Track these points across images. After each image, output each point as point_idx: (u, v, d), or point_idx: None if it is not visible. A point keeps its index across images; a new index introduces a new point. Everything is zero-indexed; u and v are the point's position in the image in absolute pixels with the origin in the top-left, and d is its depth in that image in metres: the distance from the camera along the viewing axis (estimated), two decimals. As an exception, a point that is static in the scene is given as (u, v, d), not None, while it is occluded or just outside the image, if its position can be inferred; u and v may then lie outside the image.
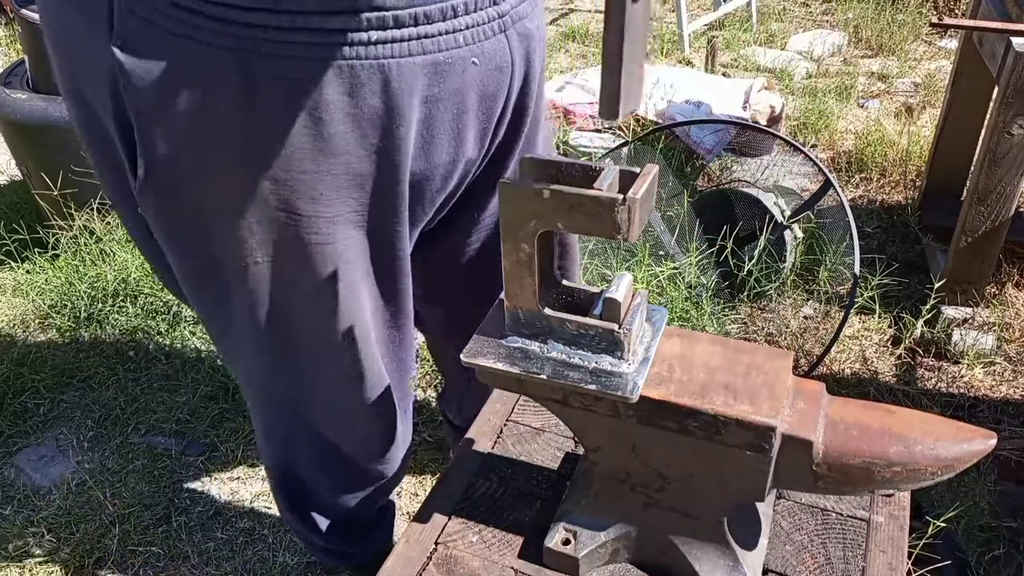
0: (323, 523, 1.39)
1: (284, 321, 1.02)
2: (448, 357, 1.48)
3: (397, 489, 1.83)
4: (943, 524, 1.47)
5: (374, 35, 0.80)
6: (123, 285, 2.33)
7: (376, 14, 0.80)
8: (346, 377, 1.09)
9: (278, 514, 1.83)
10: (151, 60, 0.80)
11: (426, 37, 0.84)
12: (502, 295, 0.83)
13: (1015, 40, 1.88)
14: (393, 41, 0.82)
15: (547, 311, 0.81)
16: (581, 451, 1.08)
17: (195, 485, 1.91)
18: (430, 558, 0.96)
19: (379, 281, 1.03)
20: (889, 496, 1.03)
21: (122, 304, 2.32)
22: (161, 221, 0.94)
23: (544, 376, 0.80)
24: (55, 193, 2.35)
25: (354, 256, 0.97)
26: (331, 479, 1.31)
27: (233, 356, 1.13)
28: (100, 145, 0.94)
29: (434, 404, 2.07)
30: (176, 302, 2.32)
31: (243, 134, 0.83)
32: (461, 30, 0.86)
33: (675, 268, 2.23)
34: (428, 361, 2.11)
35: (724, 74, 3.66)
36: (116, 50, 0.80)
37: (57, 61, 0.92)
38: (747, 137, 2.93)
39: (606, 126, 3.01)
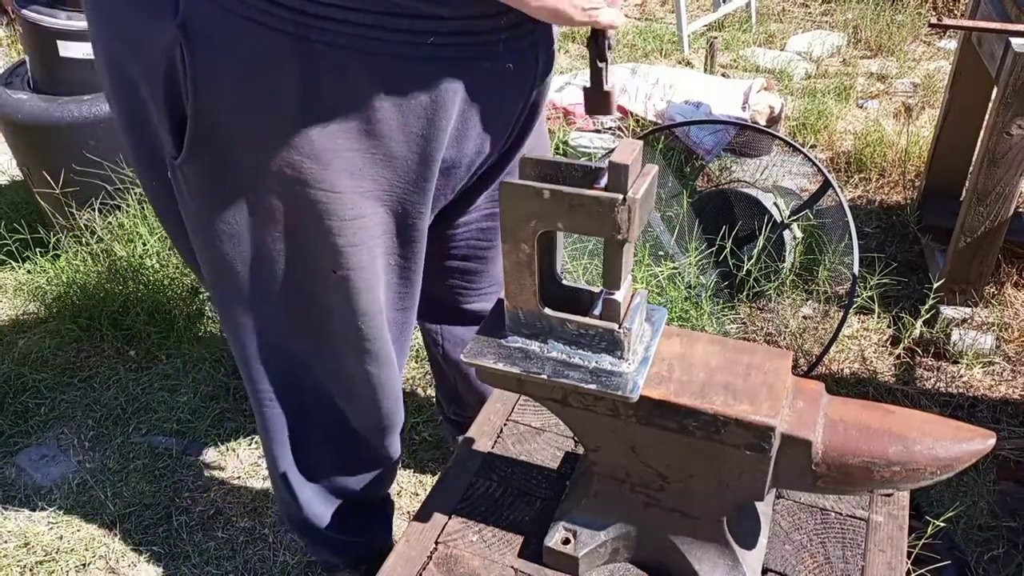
0: (324, 514, 1.40)
1: (307, 287, 1.08)
2: (435, 345, 1.55)
3: (397, 489, 1.84)
4: (942, 524, 1.47)
5: (431, 38, 0.89)
6: (124, 284, 2.33)
7: (432, 22, 0.88)
8: (356, 348, 1.14)
9: (278, 515, 1.83)
10: (218, 40, 0.87)
11: (475, 45, 0.94)
12: (502, 295, 0.83)
13: (1014, 40, 1.88)
14: (444, 45, 0.90)
15: (547, 311, 0.81)
16: (581, 451, 1.09)
17: (196, 485, 1.91)
18: (430, 557, 0.97)
19: (399, 258, 1.10)
20: (888, 496, 1.03)
21: (123, 304, 2.32)
22: (198, 190, 1.00)
23: (544, 376, 0.80)
24: (56, 193, 2.35)
25: (379, 232, 1.04)
26: (333, 452, 1.32)
27: (242, 320, 1.15)
28: (136, 118, 1.00)
29: (434, 403, 2.08)
30: (175, 302, 2.32)
31: (297, 115, 0.90)
32: (502, 39, 0.95)
33: (675, 268, 2.24)
34: (427, 361, 2.11)
35: (723, 75, 3.66)
36: (179, 29, 0.87)
37: (100, 35, 0.99)
38: (746, 137, 2.93)
39: (606, 126, 3.01)
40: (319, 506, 1.39)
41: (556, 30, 1.05)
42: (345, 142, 0.93)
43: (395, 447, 1.36)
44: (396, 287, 1.13)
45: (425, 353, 1.83)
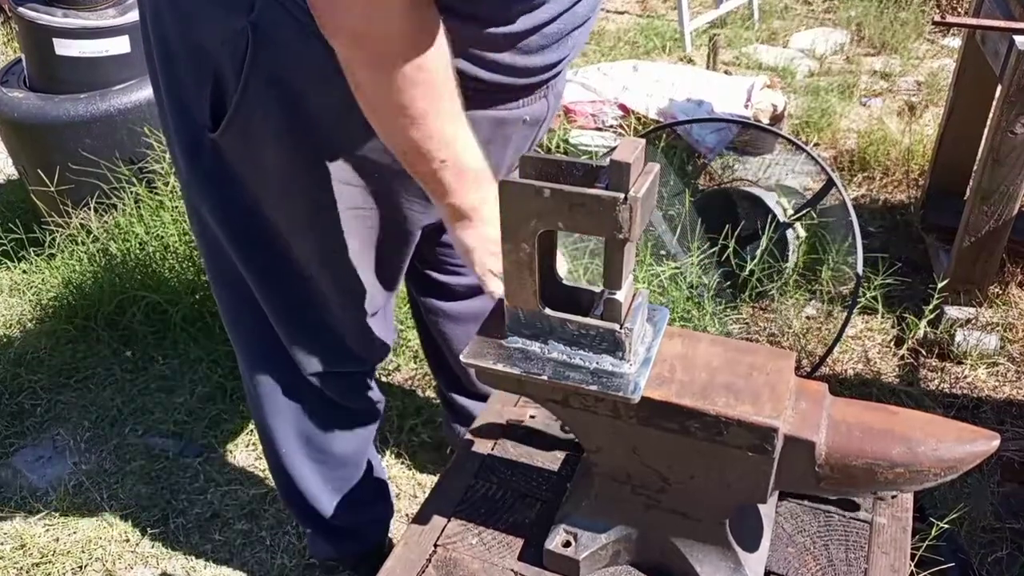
0: (316, 486, 1.42)
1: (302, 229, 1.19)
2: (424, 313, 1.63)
3: (395, 491, 1.83)
4: (946, 525, 1.46)
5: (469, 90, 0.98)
6: (120, 284, 2.32)
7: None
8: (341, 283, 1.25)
9: (276, 516, 1.82)
10: (285, 47, 0.98)
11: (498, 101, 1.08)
12: (502, 295, 0.82)
13: (1018, 39, 1.87)
14: (472, 98, 1.00)
15: (547, 311, 0.80)
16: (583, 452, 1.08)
17: (193, 486, 1.90)
18: (429, 560, 0.96)
19: (388, 250, 1.23)
20: (892, 497, 1.02)
21: (119, 304, 2.31)
22: (233, 162, 1.12)
23: (545, 377, 0.79)
24: (52, 191, 2.34)
25: (371, 224, 1.17)
26: (323, 354, 1.33)
27: (237, 265, 1.24)
28: (179, 104, 1.12)
29: (434, 403, 2.07)
30: (174, 302, 2.31)
31: (338, 119, 1.03)
32: (521, 96, 1.10)
33: (677, 268, 2.22)
34: (424, 361, 2.09)
35: (726, 72, 3.65)
36: (250, 25, 0.97)
37: (160, 30, 1.08)
38: (749, 136, 2.92)
39: (607, 124, 3.00)
40: (316, 486, 1.42)
41: (567, 70, 1.16)
42: (371, 150, 1.06)
43: (379, 350, 1.38)
44: (383, 272, 1.26)
45: (422, 353, 1.83)
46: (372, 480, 1.53)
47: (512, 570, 0.94)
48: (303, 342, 1.30)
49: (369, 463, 1.53)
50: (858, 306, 2.07)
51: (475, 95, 1.00)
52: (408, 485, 1.90)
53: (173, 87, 1.12)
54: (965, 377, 2.11)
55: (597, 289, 0.83)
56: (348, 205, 1.14)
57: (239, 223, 1.18)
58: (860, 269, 2.02)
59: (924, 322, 2.13)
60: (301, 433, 1.39)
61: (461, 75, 0.96)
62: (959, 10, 4.25)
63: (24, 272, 2.50)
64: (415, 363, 2.18)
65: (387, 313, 1.36)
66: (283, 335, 1.29)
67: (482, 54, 0.99)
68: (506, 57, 1.01)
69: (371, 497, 1.56)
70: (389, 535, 1.62)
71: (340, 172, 1.10)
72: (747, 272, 2.22)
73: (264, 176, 1.12)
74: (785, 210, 2.31)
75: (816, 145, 3.18)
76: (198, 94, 1.07)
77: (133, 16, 2.33)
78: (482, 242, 1.05)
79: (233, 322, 1.34)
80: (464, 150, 0.98)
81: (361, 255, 1.21)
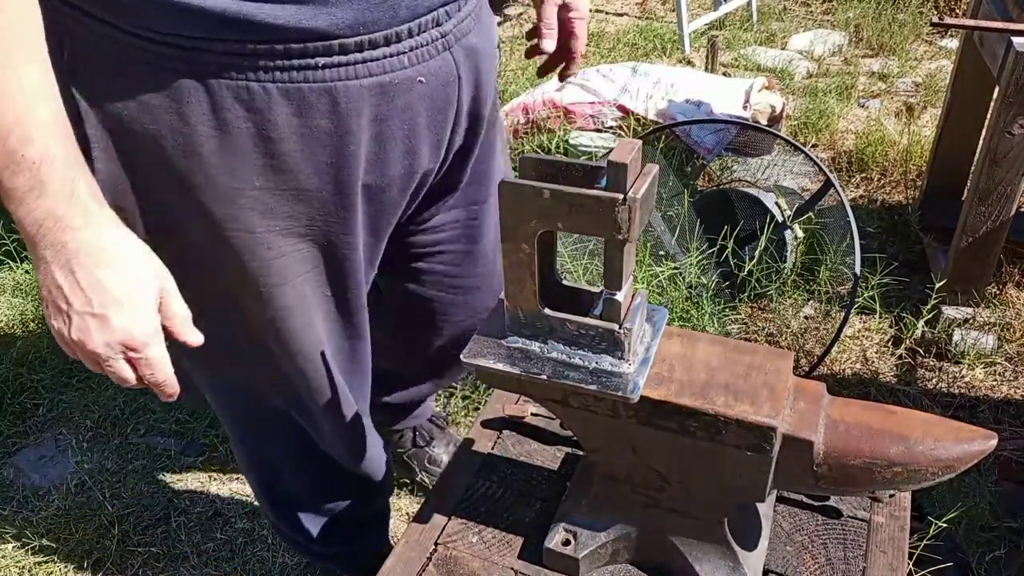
0: (312, 527, 1.38)
1: (244, 330, 1.04)
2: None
3: (395, 490, 1.83)
4: (944, 524, 1.46)
5: (321, 60, 0.84)
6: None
7: (323, 42, 0.84)
8: (301, 385, 1.11)
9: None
10: (105, 84, 0.82)
11: (372, 61, 0.88)
12: (502, 295, 0.83)
13: (1016, 40, 1.87)
14: (340, 65, 0.86)
15: (547, 311, 0.81)
16: (582, 452, 1.08)
17: (194, 486, 1.91)
18: (430, 558, 0.96)
19: (334, 293, 1.06)
20: (890, 496, 1.02)
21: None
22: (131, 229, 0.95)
23: (544, 376, 0.80)
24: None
25: (306, 269, 1.00)
26: (312, 481, 1.31)
27: (197, 359, 1.08)
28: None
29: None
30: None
31: (200, 154, 0.86)
32: (405, 52, 0.90)
33: (675, 268, 2.23)
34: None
35: (725, 73, 3.65)
36: (68, 77, 0.80)
37: None
38: (747, 137, 2.92)
39: (606, 125, 3.00)
40: (309, 527, 1.37)
41: (483, 36, 1.01)
42: (250, 180, 0.89)
43: (375, 467, 1.32)
44: (337, 319, 1.09)
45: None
46: (370, 516, 1.48)
47: (512, 568, 0.94)
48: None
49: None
50: (856, 306, 2.08)
51: (329, 64, 0.85)
52: (408, 483, 1.90)
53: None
54: (963, 377, 2.11)
55: (597, 289, 0.84)
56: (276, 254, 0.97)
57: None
58: (858, 269, 2.02)
59: (922, 322, 2.14)
60: (292, 497, 1.34)
61: (299, 42, 0.82)
62: (957, 11, 4.25)
63: (27, 272, 2.50)
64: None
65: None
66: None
67: None
68: None
69: (369, 527, 1.49)
70: (390, 535, 1.62)
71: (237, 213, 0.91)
72: (745, 272, 2.23)
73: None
74: (783, 211, 2.32)
75: (814, 146, 3.18)
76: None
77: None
78: (46, 288, 0.78)
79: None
80: (40, 133, 0.72)
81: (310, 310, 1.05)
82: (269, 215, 0.92)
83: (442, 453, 1.80)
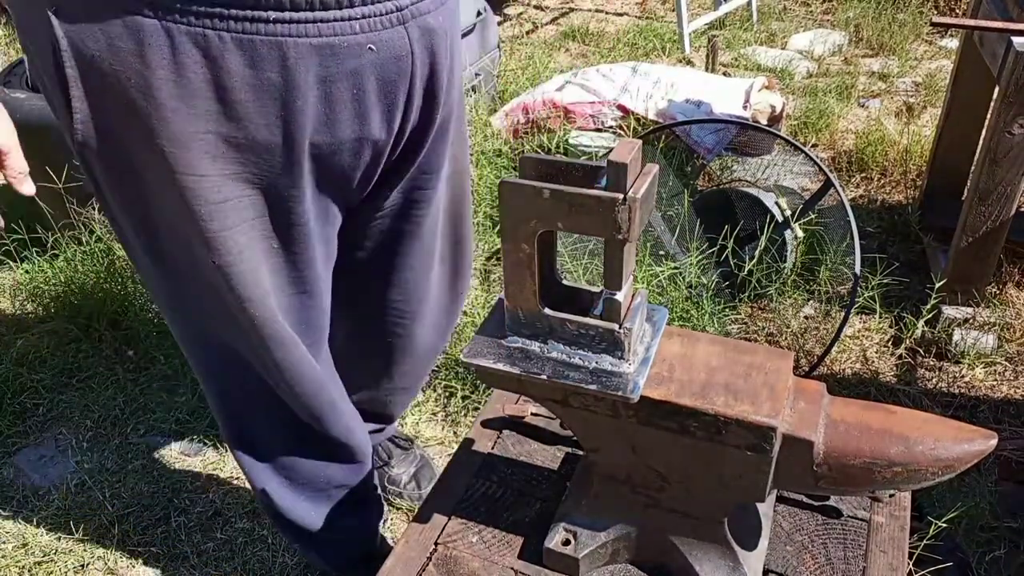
0: (296, 506, 1.39)
1: (194, 275, 1.10)
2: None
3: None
4: (944, 524, 1.46)
5: (272, 15, 0.90)
6: (123, 284, 2.33)
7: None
8: (254, 332, 1.13)
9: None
10: (82, 25, 0.90)
11: (322, 22, 0.93)
12: (502, 295, 0.83)
13: (1016, 40, 1.87)
14: (290, 22, 0.92)
15: (547, 311, 0.81)
16: (582, 452, 1.08)
17: (194, 485, 1.91)
18: (430, 558, 0.96)
19: (281, 243, 1.10)
20: (890, 496, 1.02)
21: (122, 304, 2.32)
22: (93, 176, 1.04)
23: (544, 376, 0.80)
24: (59, 188, 2.34)
25: (252, 215, 1.05)
26: (285, 440, 1.31)
27: (160, 304, 1.21)
28: (55, 109, 1.02)
29: (433, 398, 2.07)
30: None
31: (157, 97, 0.92)
32: (357, 19, 0.96)
33: (675, 268, 2.23)
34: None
35: (725, 73, 3.65)
36: (52, 15, 0.89)
37: (19, 38, 1.02)
38: (747, 137, 2.92)
39: (606, 125, 3.00)
40: (289, 499, 1.38)
41: (443, 19, 1.05)
42: (203, 124, 0.94)
43: (340, 430, 1.32)
44: (285, 271, 1.13)
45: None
46: (355, 497, 1.47)
47: (512, 568, 0.95)
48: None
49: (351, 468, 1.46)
50: (856, 306, 2.08)
51: (281, 20, 0.91)
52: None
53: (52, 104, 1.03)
54: (963, 376, 2.11)
55: (597, 289, 0.84)
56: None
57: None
58: (858, 269, 2.02)
59: (922, 322, 2.14)
60: (268, 455, 1.35)
61: None
62: (957, 11, 4.25)
63: (27, 272, 2.50)
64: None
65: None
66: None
67: None
68: None
69: (355, 511, 1.49)
70: (384, 536, 1.62)
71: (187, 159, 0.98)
72: (746, 272, 2.23)
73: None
74: (783, 210, 2.32)
75: (814, 146, 3.18)
76: (58, 106, 0.99)
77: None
78: None
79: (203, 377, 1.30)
80: None
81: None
82: (220, 159, 0.98)
83: (402, 473, 1.81)
